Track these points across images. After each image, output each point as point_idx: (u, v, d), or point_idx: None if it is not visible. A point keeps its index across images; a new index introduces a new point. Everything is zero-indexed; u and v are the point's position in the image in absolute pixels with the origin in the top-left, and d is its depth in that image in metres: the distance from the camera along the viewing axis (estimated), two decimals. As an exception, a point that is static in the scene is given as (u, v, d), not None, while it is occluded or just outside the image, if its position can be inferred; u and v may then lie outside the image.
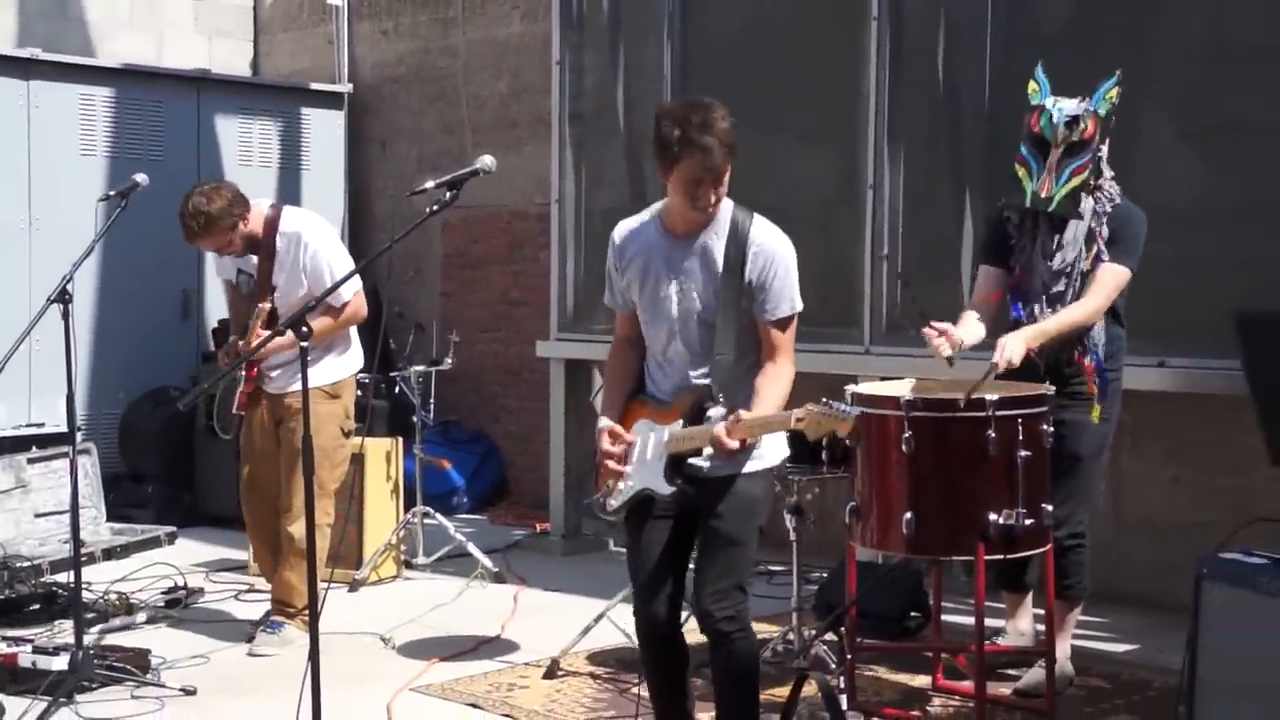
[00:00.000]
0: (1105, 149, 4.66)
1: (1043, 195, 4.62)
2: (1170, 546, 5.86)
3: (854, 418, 3.52)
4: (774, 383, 3.73)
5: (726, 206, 3.78)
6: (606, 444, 3.87)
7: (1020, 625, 5.04)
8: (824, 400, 3.55)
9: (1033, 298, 4.73)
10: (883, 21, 6.15)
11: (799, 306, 3.79)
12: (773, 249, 3.74)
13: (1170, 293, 5.38)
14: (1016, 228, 4.79)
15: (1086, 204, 4.64)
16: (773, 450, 3.86)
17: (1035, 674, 4.78)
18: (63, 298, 4.78)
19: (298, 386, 4.02)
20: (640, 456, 3.82)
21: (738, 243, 3.72)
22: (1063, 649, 4.87)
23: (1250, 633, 3.43)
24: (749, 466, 3.76)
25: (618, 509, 3.87)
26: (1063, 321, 4.60)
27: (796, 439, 4.77)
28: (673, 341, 3.84)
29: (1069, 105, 4.61)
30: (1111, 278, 4.64)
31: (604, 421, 3.91)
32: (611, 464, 3.85)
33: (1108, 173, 4.71)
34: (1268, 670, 3.38)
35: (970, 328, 4.68)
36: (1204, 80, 5.43)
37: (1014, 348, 4.46)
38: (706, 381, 3.75)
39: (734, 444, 3.59)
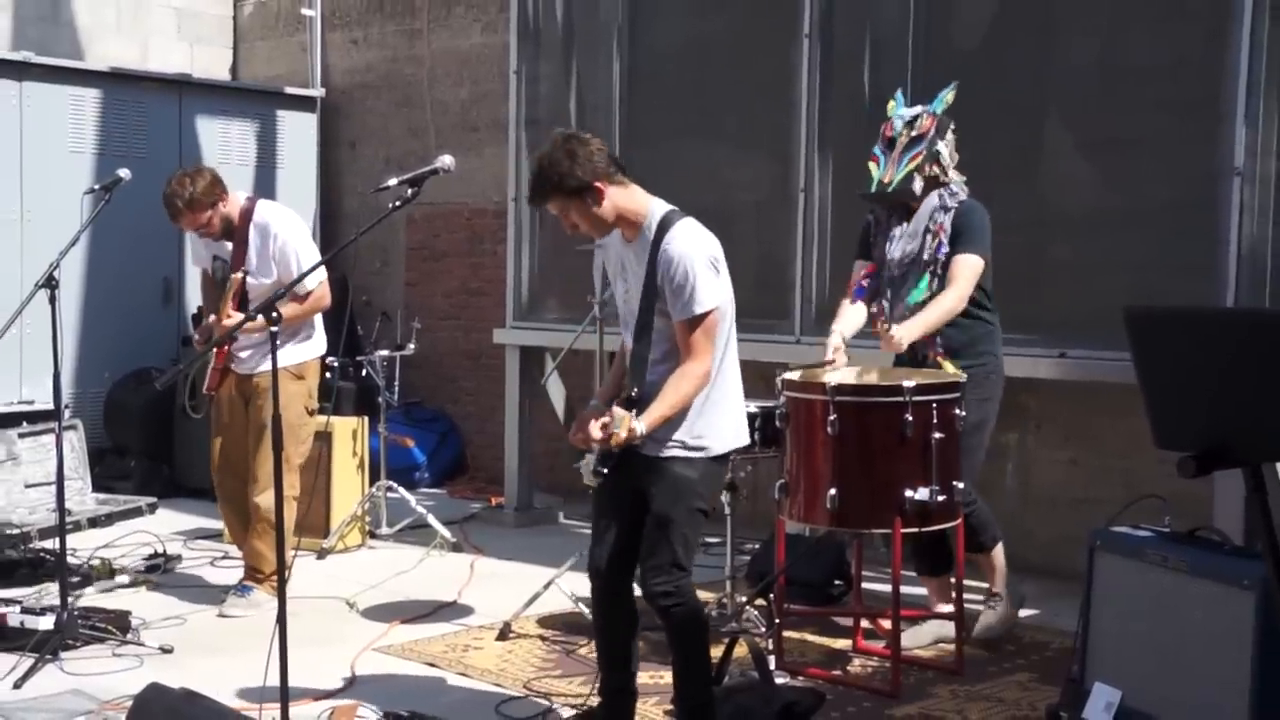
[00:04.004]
0: (945, 147, 4.80)
1: (885, 181, 4.80)
2: (1067, 521, 5.93)
3: (620, 431, 3.57)
4: (674, 381, 3.66)
5: (658, 212, 3.75)
6: (574, 428, 3.91)
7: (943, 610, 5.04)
8: (633, 414, 3.60)
9: (882, 290, 4.83)
10: (814, 38, 6.16)
11: (699, 310, 3.63)
12: (679, 251, 3.64)
13: (1070, 290, 5.44)
14: (875, 227, 4.94)
15: (931, 199, 4.76)
16: (719, 439, 3.79)
17: (987, 616, 4.97)
18: (49, 283, 4.73)
19: (266, 367, 4.00)
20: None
21: (656, 246, 3.69)
22: (1000, 583, 5.03)
23: (1136, 597, 3.48)
24: (685, 452, 3.72)
25: (587, 479, 3.86)
26: (939, 312, 4.66)
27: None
28: (626, 334, 3.86)
29: (912, 110, 4.87)
30: (966, 268, 4.70)
31: (590, 405, 3.95)
32: (575, 442, 3.88)
33: (957, 177, 4.83)
34: (1150, 630, 3.43)
35: (849, 317, 4.81)
36: (1100, 97, 5.48)
37: (905, 333, 4.55)
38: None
39: (597, 436, 3.60)
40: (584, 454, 3.89)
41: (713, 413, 3.75)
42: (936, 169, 4.79)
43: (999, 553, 5.03)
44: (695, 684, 3.85)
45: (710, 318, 3.66)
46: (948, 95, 4.85)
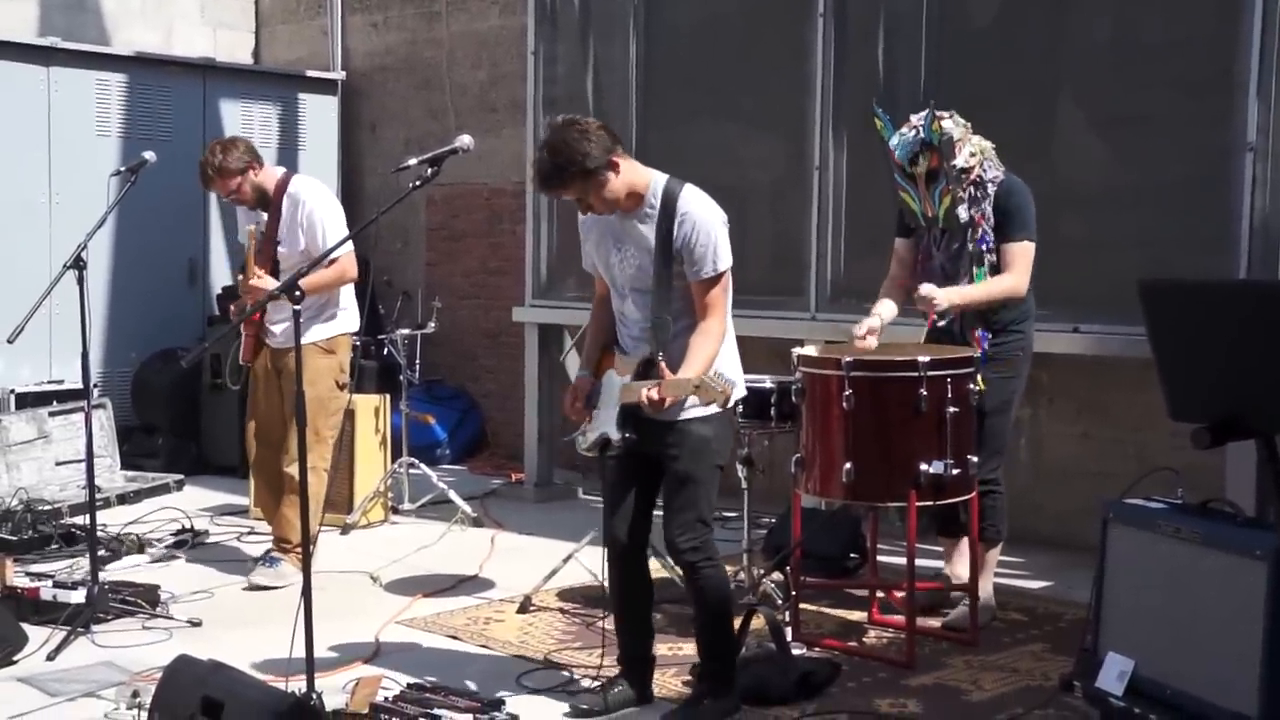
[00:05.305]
0: (961, 157, 4.64)
1: (930, 215, 4.71)
2: (1080, 493, 5.90)
3: (719, 390, 3.55)
4: (701, 339, 3.73)
5: (659, 181, 3.80)
6: (568, 399, 3.94)
7: (957, 569, 4.99)
8: (716, 372, 3.63)
9: (935, 282, 4.74)
10: (828, 17, 6.13)
11: (721, 267, 3.73)
12: (696, 215, 3.73)
13: (1083, 266, 5.41)
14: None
15: (962, 207, 4.67)
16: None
17: (961, 610, 4.81)
18: (77, 264, 4.75)
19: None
20: (605, 403, 3.85)
21: (668, 213, 3.74)
22: (985, 587, 4.90)
23: (1149, 569, 3.46)
24: (700, 411, 3.74)
25: (588, 448, 3.90)
26: (989, 291, 4.62)
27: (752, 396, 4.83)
28: (625, 303, 3.87)
29: (907, 140, 4.67)
30: (1021, 255, 4.66)
31: (577, 374, 3.99)
32: (572, 414, 3.93)
33: (980, 143, 4.70)
34: (1163, 601, 3.41)
35: (886, 307, 4.77)
36: (1112, 74, 5.44)
37: (945, 296, 4.50)
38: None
39: (656, 398, 3.62)
40: (579, 425, 3.91)
41: (721, 369, 3.77)
42: (964, 175, 4.66)
43: (995, 554, 4.96)
44: (719, 642, 3.88)
45: (726, 275, 3.77)
46: (933, 124, 4.63)
